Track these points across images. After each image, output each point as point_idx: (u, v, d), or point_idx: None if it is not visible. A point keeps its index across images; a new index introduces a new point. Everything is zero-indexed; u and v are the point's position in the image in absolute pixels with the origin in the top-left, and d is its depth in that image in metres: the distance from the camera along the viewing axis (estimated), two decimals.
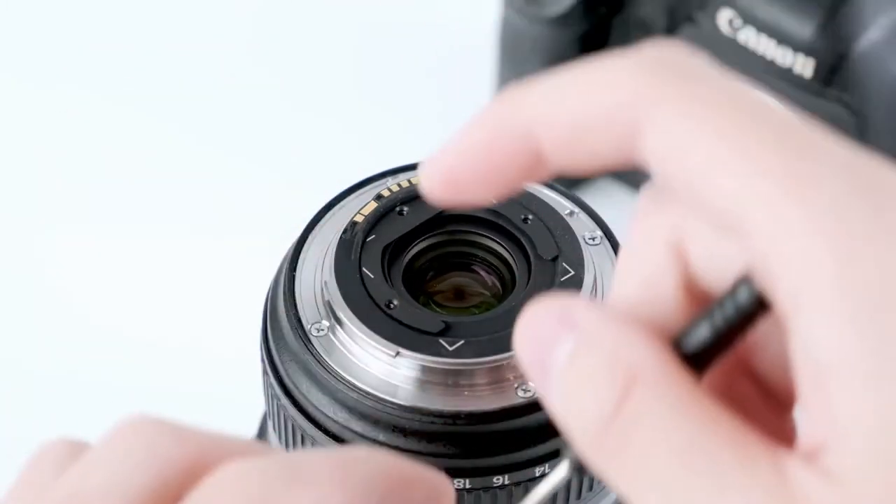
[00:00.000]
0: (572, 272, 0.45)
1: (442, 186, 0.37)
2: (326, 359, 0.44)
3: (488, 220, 0.47)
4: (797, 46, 0.63)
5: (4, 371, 0.68)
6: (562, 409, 0.34)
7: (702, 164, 0.33)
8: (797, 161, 0.33)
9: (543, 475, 0.44)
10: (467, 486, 0.43)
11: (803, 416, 0.33)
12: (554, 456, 0.43)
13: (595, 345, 0.34)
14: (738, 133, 0.33)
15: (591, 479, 0.45)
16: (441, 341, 0.43)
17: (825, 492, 0.32)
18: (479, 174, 0.36)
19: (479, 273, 0.48)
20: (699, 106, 0.34)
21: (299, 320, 0.45)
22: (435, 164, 0.37)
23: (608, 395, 0.33)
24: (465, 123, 0.37)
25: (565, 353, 0.34)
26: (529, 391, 0.43)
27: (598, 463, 0.34)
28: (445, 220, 0.47)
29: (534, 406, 0.43)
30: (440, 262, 0.47)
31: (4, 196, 0.78)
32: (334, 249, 0.46)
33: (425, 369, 0.43)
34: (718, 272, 0.35)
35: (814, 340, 0.31)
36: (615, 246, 0.47)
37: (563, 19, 0.70)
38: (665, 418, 0.33)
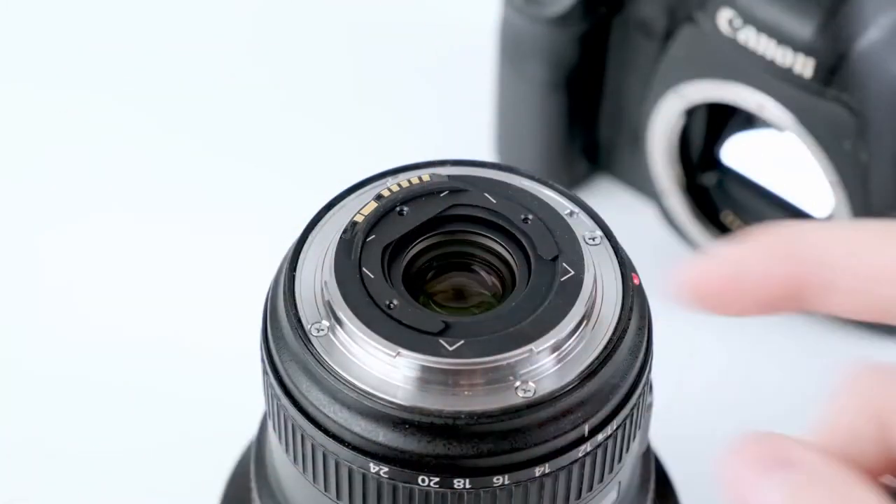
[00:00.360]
0: (572, 272, 0.45)
1: (695, 289, 0.39)
2: (326, 359, 0.44)
3: (488, 220, 0.47)
4: (797, 46, 0.63)
5: (4, 370, 0.68)
6: None
7: None
8: None
9: (544, 475, 0.44)
10: (467, 486, 0.43)
11: None
12: (554, 456, 0.43)
13: (819, 483, 0.34)
14: None
15: (591, 479, 0.45)
16: (441, 341, 0.43)
17: None
18: (740, 290, 0.38)
19: (479, 273, 0.48)
20: None
21: (299, 320, 0.45)
22: (699, 267, 0.39)
23: None
24: (749, 240, 0.38)
25: (782, 491, 0.35)
26: (529, 391, 0.43)
27: None
28: (445, 220, 0.47)
29: (534, 406, 0.43)
30: (440, 262, 0.47)
31: (5, 195, 0.78)
32: (334, 249, 0.46)
33: (425, 369, 0.43)
34: None
35: None
36: (615, 246, 0.47)
37: (563, 19, 0.70)
38: None
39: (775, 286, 0.38)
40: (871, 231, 0.37)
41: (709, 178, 0.71)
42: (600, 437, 0.44)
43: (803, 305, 0.38)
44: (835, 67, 0.63)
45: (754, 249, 0.38)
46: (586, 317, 0.44)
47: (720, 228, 0.71)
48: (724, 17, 0.65)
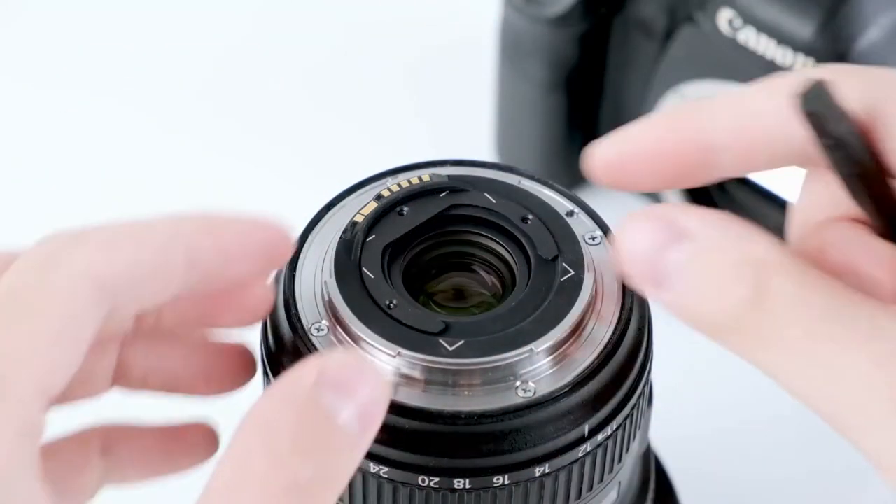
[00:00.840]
0: (572, 272, 0.45)
1: (608, 168, 0.42)
2: None
3: (488, 220, 0.47)
4: (797, 46, 0.63)
5: None
6: (686, 305, 0.38)
7: None
8: None
9: (544, 475, 0.44)
10: (467, 486, 0.43)
11: None
12: (554, 456, 0.43)
13: (717, 247, 0.38)
14: None
15: (591, 479, 0.45)
16: (441, 341, 0.43)
17: None
18: (648, 161, 0.42)
19: (479, 273, 0.48)
20: None
21: (299, 320, 0.45)
22: (606, 147, 0.42)
23: (742, 284, 0.37)
24: (647, 118, 0.43)
25: (681, 258, 0.38)
26: (529, 391, 0.43)
27: (739, 348, 0.38)
28: (445, 220, 0.47)
29: (534, 406, 0.43)
30: (440, 262, 0.47)
31: (5, 195, 0.78)
32: (334, 249, 0.46)
33: (425, 369, 0.43)
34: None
35: None
36: None
37: (563, 19, 0.70)
38: (800, 294, 0.37)
39: (673, 156, 0.42)
40: (755, 86, 0.41)
41: None
42: (600, 437, 0.44)
43: (706, 173, 0.42)
44: None
45: (653, 126, 0.42)
46: (586, 317, 0.44)
47: None
48: (724, 17, 0.65)
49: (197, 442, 0.48)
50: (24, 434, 0.36)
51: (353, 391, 0.38)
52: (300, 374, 0.38)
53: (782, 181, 0.69)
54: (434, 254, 0.47)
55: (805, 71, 0.42)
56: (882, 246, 0.40)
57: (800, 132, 0.39)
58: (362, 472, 0.44)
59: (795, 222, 0.43)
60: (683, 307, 0.39)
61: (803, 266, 0.38)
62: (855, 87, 0.40)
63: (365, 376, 0.39)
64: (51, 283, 0.38)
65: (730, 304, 0.38)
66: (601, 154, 0.43)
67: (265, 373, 0.46)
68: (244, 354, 0.48)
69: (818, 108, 0.38)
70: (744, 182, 0.70)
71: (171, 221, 0.41)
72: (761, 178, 0.69)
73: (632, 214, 0.39)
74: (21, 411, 0.36)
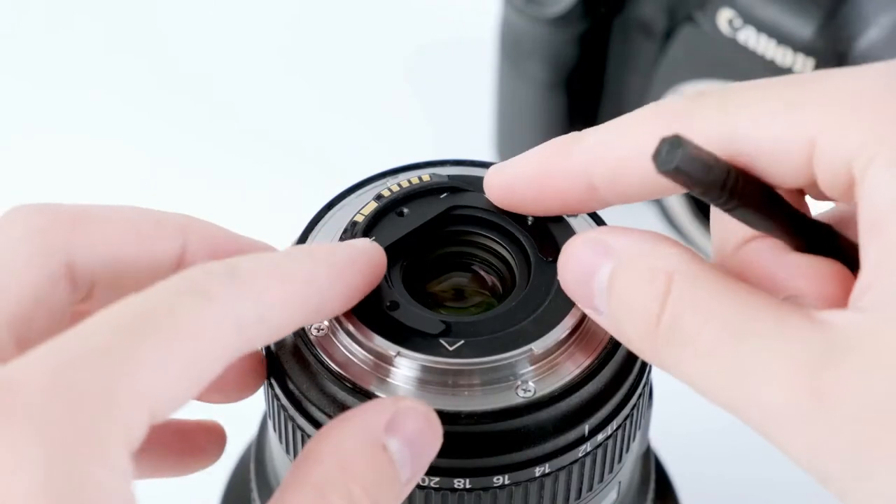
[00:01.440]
0: None
1: (501, 191, 0.45)
2: (326, 359, 0.44)
3: (489, 220, 0.47)
4: (797, 46, 0.63)
5: None
6: (613, 323, 0.41)
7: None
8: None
9: (544, 475, 0.44)
10: (467, 486, 0.43)
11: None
12: (554, 456, 0.43)
13: (630, 262, 0.40)
14: None
15: (591, 479, 0.45)
16: (441, 341, 0.43)
17: (857, 319, 0.37)
18: (535, 189, 0.44)
19: (479, 273, 0.48)
20: None
21: None
22: (499, 170, 0.45)
23: (651, 296, 0.39)
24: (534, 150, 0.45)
25: (605, 277, 0.41)
26: (529, 391, 0.43)
27: (656, 356, 0.40)
28: (445, 221, 0.47)
29: (534, 406, 0.43)
30: (440, 262, 0.47)
31: (6, 194, 0.78)
32: None
33: (425, 369, 0.43)
34: None
35: (876, 190, 0.37)
36: None
37: (563, 19, 0.70)
38: (705, 300, 0.39)
39: (556, 186, 0.44)
40: (623, 122, 0.43)
41: None
42: (600, 437, 0.44)
43: (588, 203, 0.44)
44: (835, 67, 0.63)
45: (538, 157, 0.44)
46: (586, 317, 0.44)
47: None
48: (724, 17, 0.65)
49: (206, 443, 0.48)
50: (127, 447, 0.36)
51: (414, 438, 0.41)
52: (376, 413, 0.41)
53: None
54: (434, 254, 0.47)
55: (665, 104, 0.42)
56: (799, 258, 0.41)
57: None
58: None
59: (714, 248, 0.43)
60: (614, 329, 0.41)
61: (713, 274, 0.39)
62: (711, 118, 0.40)
63: (428, 423, 0.41)
64: (201, 319, 0.38)
65: (642, 318, 0.40)
66: (494, 176, 0.45)
67: (267, 373, 0.46)
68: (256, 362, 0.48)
69: (679, 164, 0.38)
70: None
71: (307, 263, 0.41)
72: None
73: (569, 241, 0.42)
74: (127, 434, 0.36)
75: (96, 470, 0.34)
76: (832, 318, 0.37)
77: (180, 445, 0.47)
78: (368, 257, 0.43)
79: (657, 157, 0.38)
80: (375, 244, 0.44)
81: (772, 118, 0.39)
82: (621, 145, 0.42)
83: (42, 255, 0.40)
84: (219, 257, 0.43)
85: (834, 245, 0.41)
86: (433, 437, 0.41)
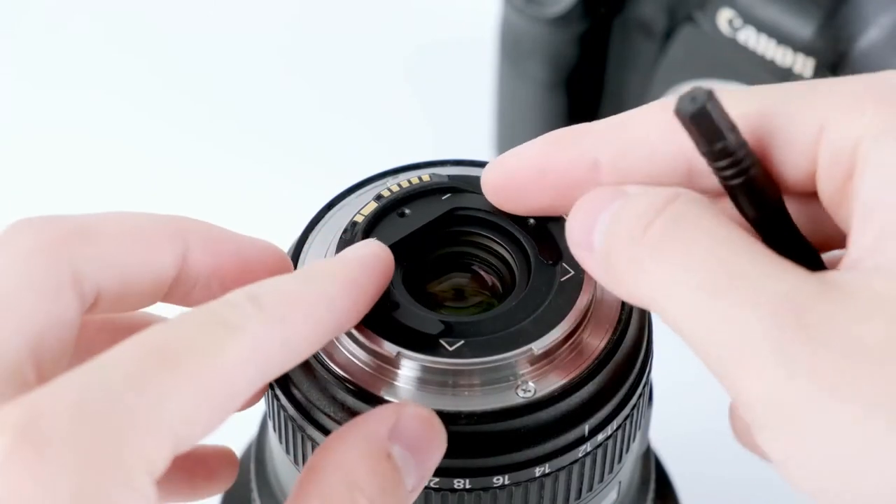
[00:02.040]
0: (572, 272, 0.45)
1: (501, 179, 0.44)
2: (326, 359, 0.44)
3: (489, 220, 0.47)
4: (797, 46, 0.63)
5: None
6: (603, 254, 0.40)
7: None
8: None
9: (544, 475, 0.44)
10: (467, 486, 0.43)
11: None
12: (554, 456, 0.43)
13: (641, 190, 0.40)
14: None
15: (591, 479, 0.45)
16: (441, 341, 0.43)
17: (856, 275, 0.37)
18: (536, 172, 0.43)
19: (479, 273, 0.48)
20: None
21: None
22: (501, 160, 0.44)
23: (650, 206, 0.39)
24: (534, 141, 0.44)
25: (615, 210, 0.40)
26: (529, 391, 0.43)
27: (639, 256, 0.39)
28: (446, 221, 0.47)
29: (534, 406, 0.43)
30: (440, 262, 0.47)
31: (7, 194, 0.78)
32: (334, 249, 0.46)
33: (425, 369, 0.43)
34: None
35: (882, 163, 0.38)
36: None
37: (563, 19, 0.70)
38: (708, 218, 0.39)
39: (559, 173, 0.43)
40: (636, 110, 0.43)
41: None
42: (600, 437, 0.44)
43: (596, 184, 0.43)
44: (835, 67, 0.63)
45: (539, 145, 0.44)
46: (586, 317, 0.44)
47: None
48: (724, 17, 0.65)
49: (218, 468, 0.48)
50: (150, 476, 0.36)
51: (417, 445, 0.41)
52: (378, 422, 0.41)
53: None
54: (434, 254, 0.47)
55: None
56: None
57: (682, 149, 0.41)
58: None
59: None
60: (600, 261, 0.40)
61: (720, 211, 0.39)
62: (731, 98, 0.40)
63: (431, 430, 0.42)
64: (225, 351, 0.38)
65: (635, 224, 0.39)
66: (494, 166, 0.45)
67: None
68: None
69: (700, 110, 0.38)
70: None
71: (326, 285, 0.41)
72: None
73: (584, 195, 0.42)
74: (151, 464, 0.36)
75: (122, 501, 0.35)
76: (827, 273, 0.38)
77: (193, 470, 0.47)
78: (380, 263, 0.43)
79: (681, 101, 0.38)
80: (383, 246, 0.44)
81: (787, 101, 0.41)
82: (633, 127, 0.43)
83: (51, 270, 0.40)
84: (220, 258, 0.43)
85: (806, 255, 0.41)
86: (437, 442, 0.41)
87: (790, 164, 0.41)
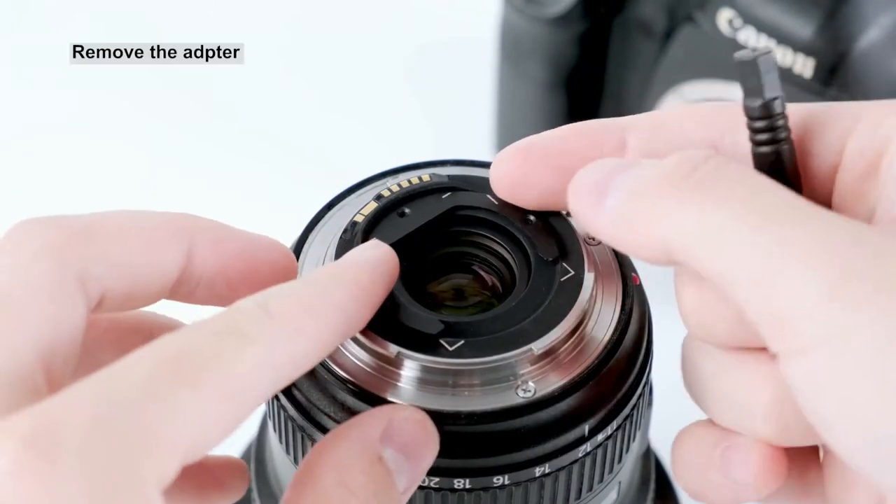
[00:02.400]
0: (572, 272, 0.45)
1: (513, 175, 0.45)
2: (327, 359, 0.44)
3: (489, 220, 0.47)
4: (797, 46, 0.63)
5: None
6: (624, 207, 0.41)
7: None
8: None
9: (544, 475, 0.44)
10: (467, 486, 0.43)
11: None
12: (554, 456, 0.43)
13: (671, 157, 0.40)
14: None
15: (591, 480, 0.45)
16: (441, 341, 0.43)
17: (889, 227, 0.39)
18: (558, 149, 0.44)
19: (479, 273, 0.48)
20: None
21: None
22: (512, 149, 0.44)
23: (690, 158, 0.40)
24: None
25: (626, 178, 0.41)
26: (529, 391, 0.43)
27: (669, 201, 0.39)
28: (446, 221, 0.47)
29: (534, 406, 0.43)
30: (440, 262, 0.47)
31: (7, 193, 0.78)
32: (334, 249, 0.46)
33: (425, 369, 0.43)
34: None
35: None
36: None
37: (563, 19, 0.70)
38: (747, 170, 0.39)
39: (580, 150, 0.44)
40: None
41: None
42: (600, 437, 0.44)
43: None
44: (835, 67, 0.63)
45: (560, 129, 0.44)
46: (586, 317, 0.44)
47: None
48: (724, 17, 0.65)
49: (229, 479, 0.48)
50: (160, 486, 0.36)
51: (409, 446, 0.41)
52: (371, 423, 0.41)
53: None
54: (434, 254, 0.47)
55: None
56: None
57: (713, 138, 0.42)
58: None
59: None
60: (619, 215, 0.41)
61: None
62: (794, 105, 0.42)
63: (422, 430, 0.42)
64: (238, 362, 0.38)
65: (673, 171, 0.40)
66: (508, 151, 0.45)
67: None
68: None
69: (761, 61, 0.40)
70: None
71: (337, 292, 0.41)
72: None
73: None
74: (162, 474, 0.36)
75: None
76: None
77: (202, 480, 0.47)
78: (387, 266, 0.43)
79: (743, 51, 0.40)
80: (389, 249, 0.44)
81: (831, 105, 0.43)
82: (665, 114, 0.44)
83: (58, 273, 0.40)
84: (226, 256, 0.43)
85: None
86: (429, 445, 0.42)
87: (820, 156, 0.42)
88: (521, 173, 0.45)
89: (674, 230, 0.39)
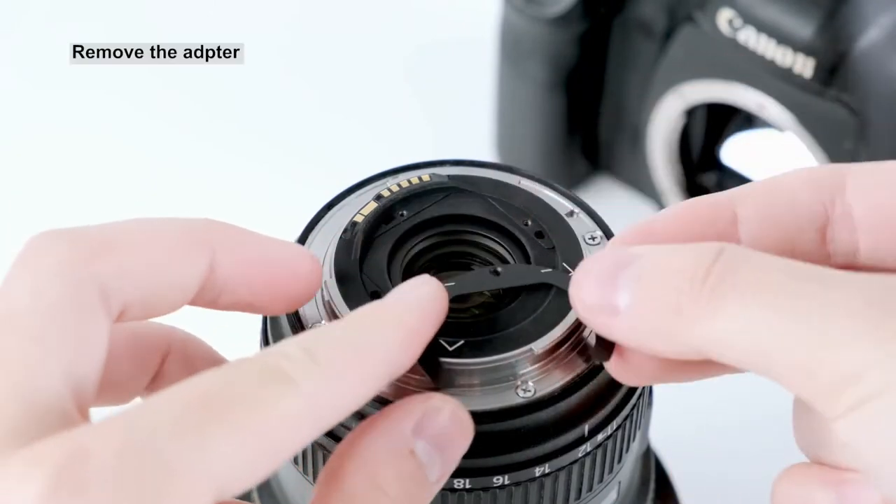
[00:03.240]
0: (572, 272, 0.45)
1: (637, 237, 0.42)
2: None
3: (488, 220, 0.47)
4: (797, 46, 0.63)
5: None
6: (638, 313, 0.39)
7: None
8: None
9: (544, 475, 0.44)
10: (467, 486, 0.43)
11: None
12: (554, 456, 0.43)
13: (671, 247, 0.39)
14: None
15: (591, 480, 0.45)
16: (441, 341, 0.43)
17: None
18: (675, 228, 0.42)
19: None
20: None
21: (299, 320, 0.45)
22: (632, 233, 0.42)
23: (702, 254, 0.38)
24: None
25: (641, 264, 0.39)
26: (529, 391, 0.43)
27: (694, 305, 0.38)
28: (445, 220, 0.47)
29: (534, 406, 0.43)
30: (440, 262, 0.47)
31: (7, 193, 0.78)
32: (334, 249, 0.46)
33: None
34: None
35: None
36: None
37: (563, 19, 0.70)
38: (760, 257, 0.38)
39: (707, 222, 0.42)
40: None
41: (709, 178, 0.71)
42: (600, 437, 0.44)
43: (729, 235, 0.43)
44: (835, 67, 0.63)
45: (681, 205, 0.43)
46: None
47: None
48: (724, 17, 0.65)
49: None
50: None
51: (441, 438, 0.40)
52: (402, 416, 0.40)
53: None
54: (434, 254, 0.47)
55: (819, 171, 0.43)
56: None
57: (825, 209, 0.41)
58: None
59: None
60: (635, 322, 0.39)
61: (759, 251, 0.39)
62: (857, 182, 0.42)
63: (454, 420, 0.40)
64: (280, 409, 0.37)
65: (686, 278, 0.38)
66: (628, 236, 0.43)
67: None
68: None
69: None
70: (744, 182, 0.70)
71: (384, 335, 0.40)
72: (761, 178, 0.69)
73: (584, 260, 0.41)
74: None
75: None
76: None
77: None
78: (438, 306, 0.41)
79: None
80: (440, 287, 0.42)
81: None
82: (778, 181, 0.43)
83: (80, 290, 0.39)
84: (248, 263, 0.42)
85: None
86: (463, 435, 0.41)
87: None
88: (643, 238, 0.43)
89: (702, 336, 0.38)
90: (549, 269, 0.45)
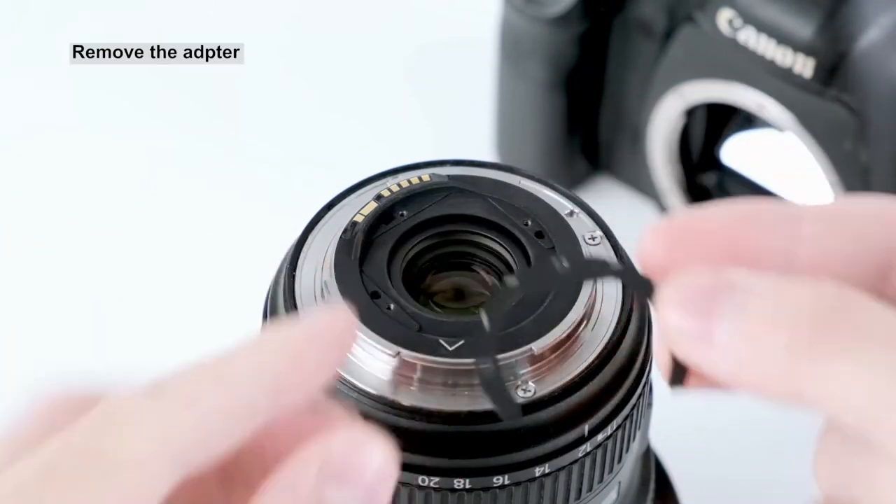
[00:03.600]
0: (642, 273, 0.45)
1: (657, 258, 0.37)
2: None
3: (488, 220, 0.47)
4: (797, 46, 0.63)
5: (6, 369, 0.68)
6: (740, 347, 0.36)
7: None
8: None
9: (544, 475, 0.44)
10: (467, 486, 0.43)
11: None
12: (554, 456, 0.43)
13: (778, 284, 0.35)
14: None
15: (591, 480, 0.45)
16: (441, 341, 0.43)
17: None
18: (714, 251, 0.37)
19: (478, 273, 0.48)
20: None
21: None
22: (663, 228, 0.38)
23: (816, 303, 0.35)
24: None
25: (733, 308, 0.35)
26: (529, 391, 0.43)
27: (807, 358, 0.35)
28: (445, 220, 0.47)
29: (534, 406, 0.43)
30: (440, 262, 0.47)
31: (6, 193, 0.78)
32: (334, 249, 0.46)
33: (425, 369, 0.43)
34: None
35: None
36: (615, 245, 0.47)
37: (563, 19, 0.70)
38: (883, 309, 0.35)
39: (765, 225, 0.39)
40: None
41: (709, 178, 0.71)
42: (600, 437, 0.44)
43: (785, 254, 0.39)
44: (835, 67, 0.63)
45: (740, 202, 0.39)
46: (586, 317, 0.44)
47: None
48: (724, 17, 0.65)
49: None
50: None
51: (357, 478, 0.35)
52: (302, 467, 0.35)
53: (782, 181, 0.69)
54: (434, 254, 0.47)
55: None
56: None
57: (890, 240, 0.38)
58: None
59: None
60: (737, 356, 0.36)
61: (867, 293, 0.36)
62: None
63: (370, 455, 0.35)
64: (117, 458, 0.34)
65: (797, 320, 0.35)
66: (653, 235, 0.38)
67: None
68: None
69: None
70: (744, 182, 0.70)
71: (255, 359, 0.37)
72: (761, 178, 0.69)
73: (678, 275, 0.36)
74: None
75: None
76: None
77: None
78: (333, 331, 0.37)
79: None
80: (345, 310, 0.37)
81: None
82: (845, 204, 0.40)
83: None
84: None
85: None
86: (379, 463, 0.36)
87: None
88: (668, 258, 0.38)
89: (808, 382, 0.35)
90: (620, 266, 0.42)
